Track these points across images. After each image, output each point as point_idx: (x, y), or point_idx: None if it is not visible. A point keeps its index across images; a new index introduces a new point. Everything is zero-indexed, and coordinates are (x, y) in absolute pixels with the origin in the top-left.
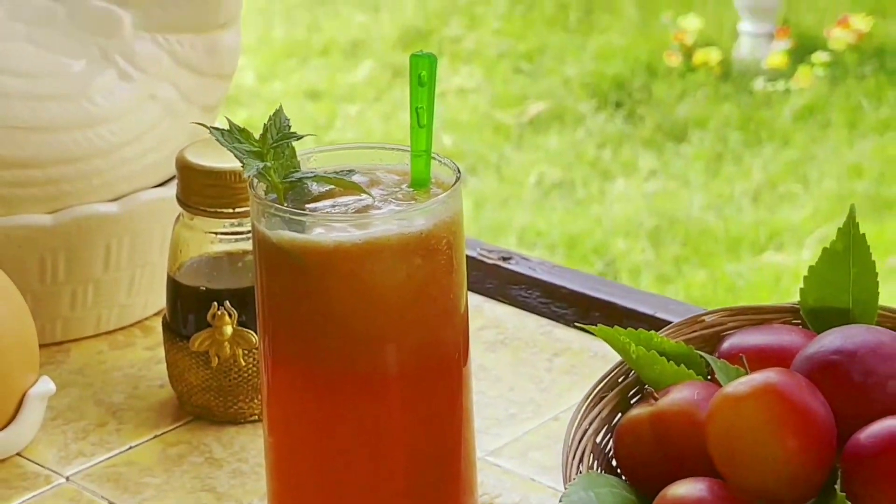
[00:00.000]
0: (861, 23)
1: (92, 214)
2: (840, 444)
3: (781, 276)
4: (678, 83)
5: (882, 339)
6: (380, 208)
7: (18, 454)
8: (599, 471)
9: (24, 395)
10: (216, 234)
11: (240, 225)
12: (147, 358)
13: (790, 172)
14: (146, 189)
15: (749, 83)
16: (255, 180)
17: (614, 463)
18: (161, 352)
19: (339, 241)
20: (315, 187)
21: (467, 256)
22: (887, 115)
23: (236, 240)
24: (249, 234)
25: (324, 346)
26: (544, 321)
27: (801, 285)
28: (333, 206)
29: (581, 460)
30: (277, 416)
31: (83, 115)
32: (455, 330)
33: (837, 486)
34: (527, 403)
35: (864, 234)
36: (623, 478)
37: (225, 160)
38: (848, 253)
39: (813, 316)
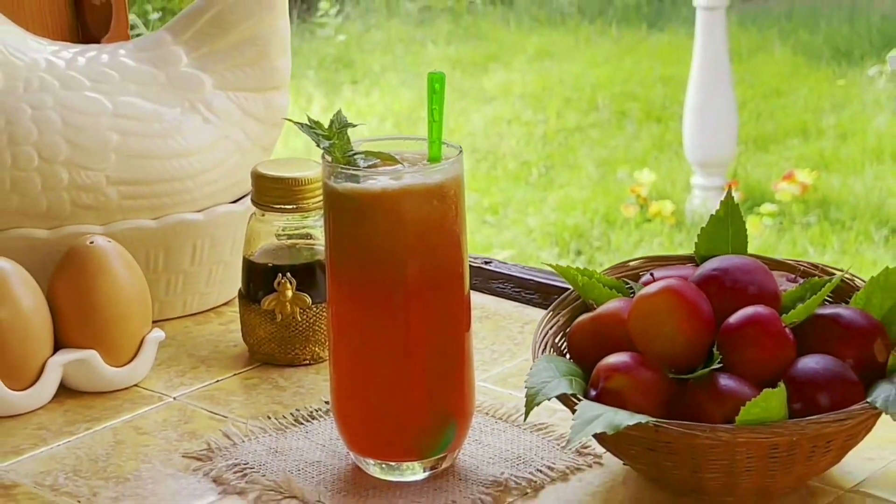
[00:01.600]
0: (806, 177)
1: (183, 221)
2: (717, 327)
3: None
4: (635, 232)
5: (746, 261)
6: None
7: (136, 385)
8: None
9: (142, 340)
10: (280, 225)
11: (296, 218)
12: (223, 330)
13: None
14: (222, 204)
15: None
16: (326, 155)
17: (568, 356)
18: (233, 326)
19: (384, 187)
20: (363, 162)
21: None
22: (831, 261)
23: (295, 229)
24: (304, 228)
25: (371, 260)
26: (517, 304)
27: (696, 241)
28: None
29: (544, 350)
30: (337, 316)
31: (177, 149)
32: (459, 252)
33: (715, 351)
34: (505, 352)
35: (737, 205)
36: (572, 361)
37: (286, 171)
38: (727, 217)
39: (703, 260)
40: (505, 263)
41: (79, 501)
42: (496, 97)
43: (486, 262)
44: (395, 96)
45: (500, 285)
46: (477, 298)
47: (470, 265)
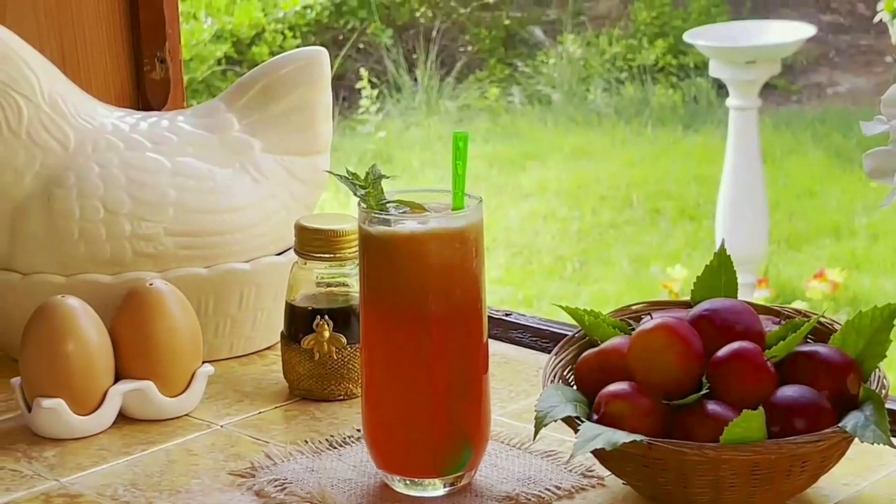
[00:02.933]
0: (837, 276)
1: (232, 270)
2: (707, 360)
3: None
4: None
5: (735, 304)
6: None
7: (187, 415)
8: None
9: (193, 374)
10: (320, 272)
11: (335, 266)
12: (265, 370)
13: None
14: (268, 256)
15: None
16: (361, 202)
17: (574, 386)
18: (275, 367)
19: (412, 231)
20: (394, 209)
21: None
22: None
23: (332, 277)
24: (341, 276)
25: (399, 295)
26: (534, 352)
27: (692, 288)
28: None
29: (553, 380)
30: (369, 345)
31: (228, 205)
32: (478, 289)
33: (704, 380)
34: (521, 392)
35: (729, 256)
36: (577, 390)
37: (324, 224)
38: (720, 268)
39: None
40: (524, 315)
41: None
42: (532, 194)
43: (507, 315)
44: None
45: (519, 335)
46: (497, 347)
47: (492, 317)
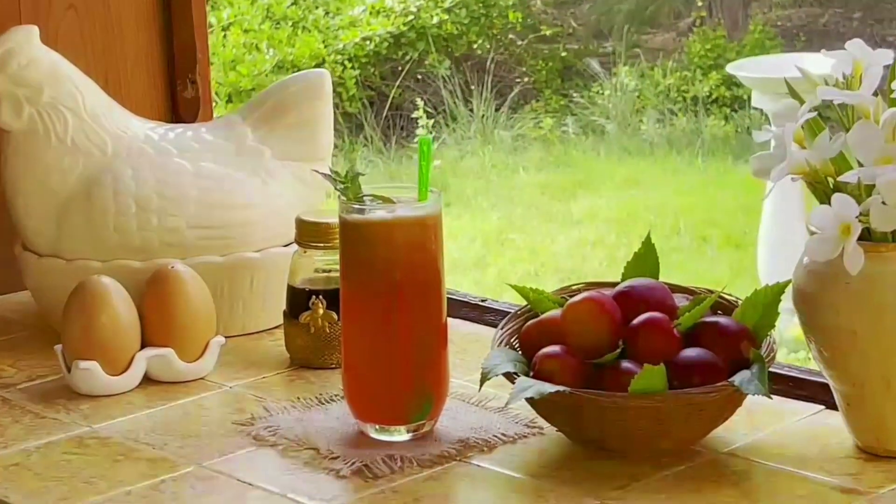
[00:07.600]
0: None
1: (245, 258)
2: (625, 327)
3: None
4: None
5: (651, 282)
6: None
7: (202, 378)
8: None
9: (208, 343)
10: (316, 259)
11: (328, 255)
12: (271, 346)
13: None
14: (275, 247)
15: None
16: (341, 195)
17: (519, 351)
18: (280, 342)
19: (381, 218)
20: (369, 201)
21: (462, 301)
22: None
23: (326, 264)
24: (334, 262)
25: (371, 270)
26: None
27: (623, 271)
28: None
29: (500, 345)
30: (347, 314)
31: (242, 203)
32: (437, 266)
33: (621, 344)
34: None
35: (654, 245)
36: (520, 353)
37: (320, 218)
38: (646, 255)
39: None
40: (496, 301)
41: (153, 447)
42: (582, 221)
43: (483, 301)
44: (485, 218)
45: (492, 317)
46: (472, 327)
47: (469, 302)
